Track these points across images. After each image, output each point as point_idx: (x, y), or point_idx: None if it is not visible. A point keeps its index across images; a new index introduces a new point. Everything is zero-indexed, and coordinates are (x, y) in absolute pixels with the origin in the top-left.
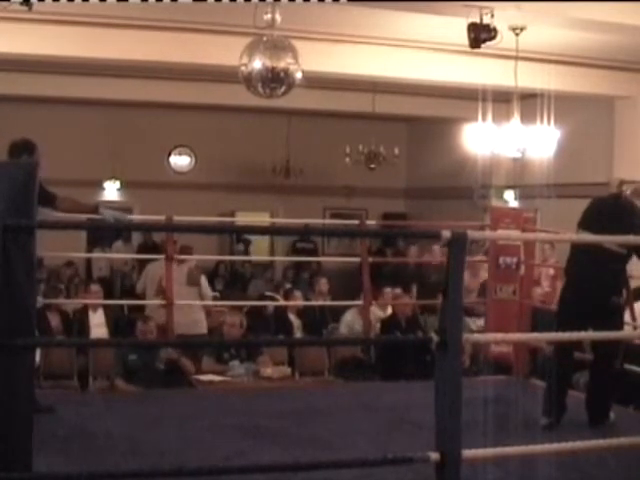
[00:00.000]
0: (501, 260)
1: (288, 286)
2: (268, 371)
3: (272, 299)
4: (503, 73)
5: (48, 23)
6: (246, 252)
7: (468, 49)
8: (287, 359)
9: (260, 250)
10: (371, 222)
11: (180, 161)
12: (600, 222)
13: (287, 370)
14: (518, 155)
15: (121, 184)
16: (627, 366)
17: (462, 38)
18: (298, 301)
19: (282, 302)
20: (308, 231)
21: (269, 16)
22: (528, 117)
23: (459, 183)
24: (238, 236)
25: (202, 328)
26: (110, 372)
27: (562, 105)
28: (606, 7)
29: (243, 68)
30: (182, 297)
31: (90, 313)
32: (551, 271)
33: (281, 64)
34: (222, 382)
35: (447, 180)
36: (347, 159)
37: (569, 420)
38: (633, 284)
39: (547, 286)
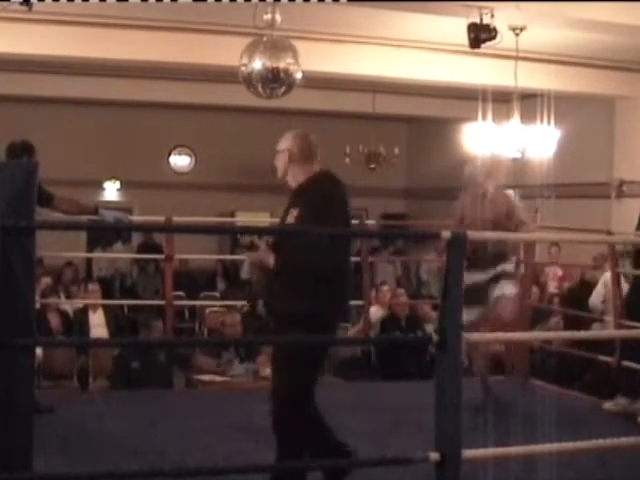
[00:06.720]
0: None
1: None
2: (268, 371)
3: None
4: (503, 73)
5: (48, 23)
6: None
7: (468, 49)
8: None
9: None
10: (371, 222)
11: (180, 161)
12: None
13: None
14: (518, 155)
15: (121, 184)
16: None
17: (462, 38)
18: None
19: None
20: (308, 231)
21: (269, 16)
22: (528, 117)
23: (459, 183)
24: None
25: None
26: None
27: (562, 105)
28: (606, 7)
29: (243, 68)
30: None
31: (90, 313)
32: (559, 272)
33: (281, 64)
34: (222, 382)
35: (447, 180)
36: (347, 159)
37: (568, 420)
38: None
39: (554, 287)
